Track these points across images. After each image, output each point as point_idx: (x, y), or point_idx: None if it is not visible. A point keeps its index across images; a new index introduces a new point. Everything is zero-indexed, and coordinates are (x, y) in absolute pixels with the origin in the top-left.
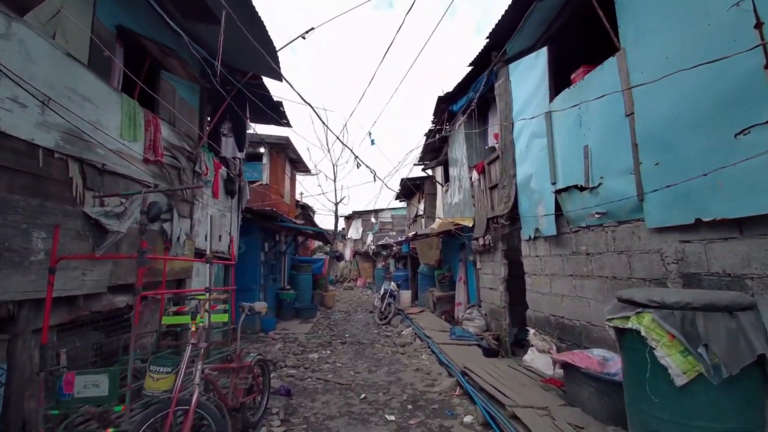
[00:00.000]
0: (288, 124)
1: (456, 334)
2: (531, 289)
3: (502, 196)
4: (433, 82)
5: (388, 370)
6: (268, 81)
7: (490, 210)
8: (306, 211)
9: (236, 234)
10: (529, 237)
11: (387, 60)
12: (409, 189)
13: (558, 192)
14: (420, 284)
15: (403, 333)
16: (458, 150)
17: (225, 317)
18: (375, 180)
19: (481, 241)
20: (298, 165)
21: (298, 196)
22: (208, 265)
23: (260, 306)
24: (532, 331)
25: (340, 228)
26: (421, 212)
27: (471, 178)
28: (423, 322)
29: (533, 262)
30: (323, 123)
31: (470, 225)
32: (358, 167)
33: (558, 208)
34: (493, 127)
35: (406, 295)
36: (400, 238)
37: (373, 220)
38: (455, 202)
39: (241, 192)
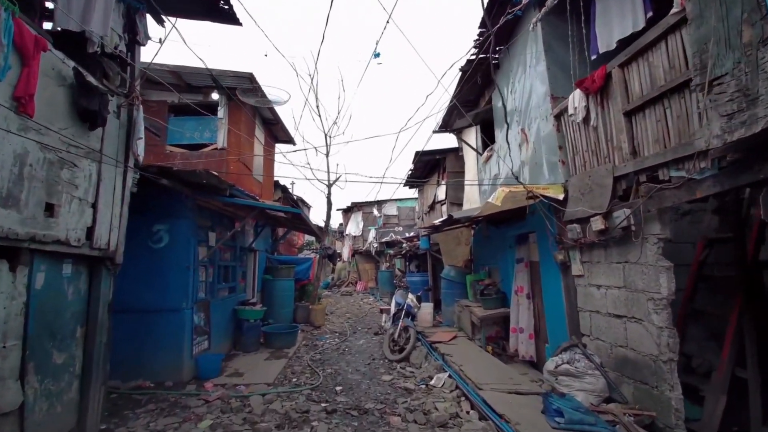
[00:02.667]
0: (234, 17)
1: (565, 415)
2: None
3: (720, 99)
4: None
5: None
6: None
7: (628, 158)
8: (288, 195)
9: (116, 207)
10: None
11: None
12: (424, 168)
13: None
14: (444, 294)
15: (433, 384)
16: (521, 81)
17: None
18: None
19: (597, 224)
20: (275, 128)
21: (286, 184)
22: None
23: None
24: None
25: (338, 223)
26: (440, 198)
27: (563, 116)
28: (465, 362)
29: None
30: None
31: (560, 197)
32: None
33: None
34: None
35: (426, 310)
36: (408, 234)
37: (375, 212)
38: (504, 172)
39: (132, 127)
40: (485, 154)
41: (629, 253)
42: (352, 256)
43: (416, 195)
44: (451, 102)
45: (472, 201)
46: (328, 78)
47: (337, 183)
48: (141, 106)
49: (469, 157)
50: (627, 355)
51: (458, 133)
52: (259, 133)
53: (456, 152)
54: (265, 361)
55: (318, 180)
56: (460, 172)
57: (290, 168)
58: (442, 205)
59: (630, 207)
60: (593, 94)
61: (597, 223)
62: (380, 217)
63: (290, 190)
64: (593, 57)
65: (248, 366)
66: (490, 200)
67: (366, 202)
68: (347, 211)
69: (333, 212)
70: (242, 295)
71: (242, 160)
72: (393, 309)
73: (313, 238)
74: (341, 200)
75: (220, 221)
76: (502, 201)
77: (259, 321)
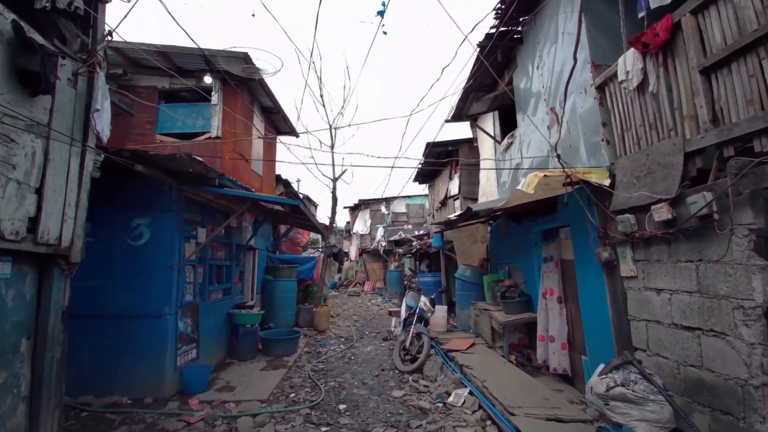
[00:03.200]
0: None
1: None
2: None
3: None
4: None
5: None
6: None
7: (707, 128)
8: (290, 190)
9: (70, 194)
10: None
11: None
12: (436, 161)
13: None
14: (459, 295)
15: (452, 402)
16: (551, 53)
17: None
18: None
19: (662, 213)
20: (276, 117)
21: (289, 179)
22: None
23: None
24: None
25: (345, 222)
26: (453, 192)
27: (608, 86)
28: (487, 376)
29: None
30: None
31: (606, 183)
32: None
33: None
34: None
35: (439, 314)
36: (418, 232)
37: (383, 210)
38: (529, 161)
39: (89, 91)
40: (505, 141)
41: (706, 249)
42: (360, 255)
43: (426, 191)
44: (469, 80)
45: (489, 194)
46: (332, 62)
47: (342, 177)
48: (102, 72)
49: (486, 147)
50: (702, 378)
51: (474, 120)
52: (258, 123)
53: (470, 143)
54: (261, 372)
55: (323, 174)
56: (475, 164)
57: (294, 163)
58: (455, 200)
59: (712, 189)
60: (652, 53)
61: (661, 212)
62: (388, 214)
63: (296, 188)
64: (641, 14)
65: (242, 378)
66: (519, 187)
67: (374, 200)
68: (354, 209)
69: (339, 210)
70: (239, 297)
71: (239, 151)
72: (403, 313)
73: (318, 236)
74: (348, 197)
75: (212, 216)
76: (535, 188)
77: (257, 326)
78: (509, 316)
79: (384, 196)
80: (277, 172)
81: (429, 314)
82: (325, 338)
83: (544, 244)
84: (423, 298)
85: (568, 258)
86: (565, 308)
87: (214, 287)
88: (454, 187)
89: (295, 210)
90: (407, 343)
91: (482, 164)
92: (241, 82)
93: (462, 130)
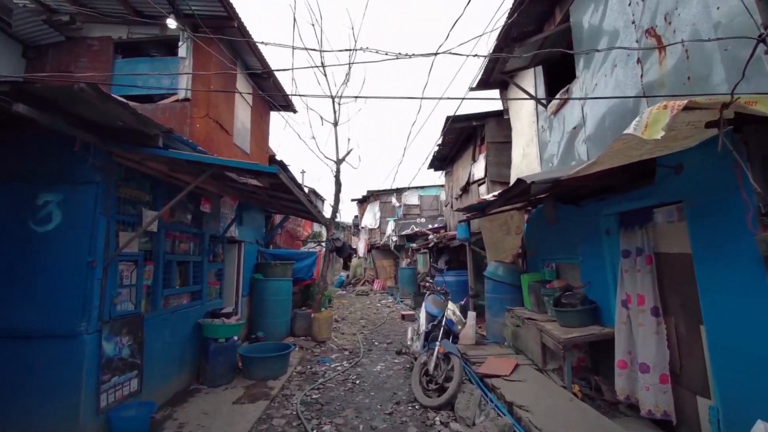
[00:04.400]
0: None
1: None
2: None
3: None
4: None
5: None
6: None
7: None
8: (286, 172)
9: None
10: None
11: None
12: (456, 141)
13: None
14: (490, 299)
15: None
16: None
17: None
18: None
19: None
20: (266, 84)
21: (285, 162)
22: None
23: None
24: None
25: (353, 216)
26: (478, 176)
27: None
28: (556, 424)
29: None
30: None
31: None
32: None
33: None
34: None
35: (470, 323)
36: (432, 225)
37: (394, 202)
38: (594, 121)
39: None
40: (555, 101)
41: None
42: (369, 251)
43: (442, 181)
44: (512, 14)
45: (527, 174)
46: (334, 21)
47: (347, 159)
48: None
49: (522, 116)
50: None
51: (510, 77)
52: (244, 88)
53: (498, 116)
54: (232, 407)
55: (326, 156)
56: (505, 142)
57: (293, 146)
58: (479, 185)
59: None
60: None
61: None
62: (400, 207)
63: (300, 180)
64: None
65: (203, 417)
66: (629, 131)
67: (383, 191)
68: (362, 202)
69: (347, 203)
70: (216, 302)
71: (216, 118)
72: (423, 323)
73: (321, 230)
74: (356, 189)
75: (170, 195)
76: (665, 128)
77: (234, 340)
78: (569, 330)
79: (395, 187)
80: (279, 159)
81: (459, 327)
82: (324, 352)
83: (624, 231)
84: (451, 305)
85: (673, 251)
86: (665, 324)
87: (174, 291)
88: (478, 170)
89: (277, 186)
90: (431, 367)
91: (516, 137)
92: (218, 29)
93: (487, 106)
